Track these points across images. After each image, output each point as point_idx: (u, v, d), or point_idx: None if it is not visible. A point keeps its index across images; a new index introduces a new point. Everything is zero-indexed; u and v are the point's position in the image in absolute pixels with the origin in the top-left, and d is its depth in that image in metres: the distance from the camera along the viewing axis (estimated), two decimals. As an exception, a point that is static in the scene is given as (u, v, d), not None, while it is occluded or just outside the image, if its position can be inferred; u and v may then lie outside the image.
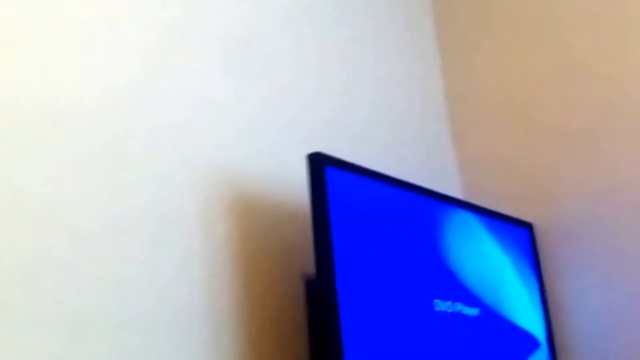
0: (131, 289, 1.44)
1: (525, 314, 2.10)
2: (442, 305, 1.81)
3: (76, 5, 1.50)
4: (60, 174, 1.38)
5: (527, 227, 2.25)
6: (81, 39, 1.49)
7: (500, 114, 2.46)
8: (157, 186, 1.55)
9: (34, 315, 1.28)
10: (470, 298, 1.91)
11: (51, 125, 1.40)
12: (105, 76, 1.52)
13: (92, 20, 1.53)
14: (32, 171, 1.34)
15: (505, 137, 2.44)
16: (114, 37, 1.56)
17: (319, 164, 1.64)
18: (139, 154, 1.54)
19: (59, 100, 1.42)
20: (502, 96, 2.47)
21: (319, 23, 2.13)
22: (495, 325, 1.97)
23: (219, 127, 1.73)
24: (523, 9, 2.48)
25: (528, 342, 2.08)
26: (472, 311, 1.91)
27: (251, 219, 1.71)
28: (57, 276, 1.33)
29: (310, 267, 1.61)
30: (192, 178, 1.62)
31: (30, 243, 1.31)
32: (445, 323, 1.81)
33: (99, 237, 1.42)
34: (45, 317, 1.29)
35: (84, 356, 1.33)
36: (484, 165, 2.45)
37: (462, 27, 2.60)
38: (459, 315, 1.86)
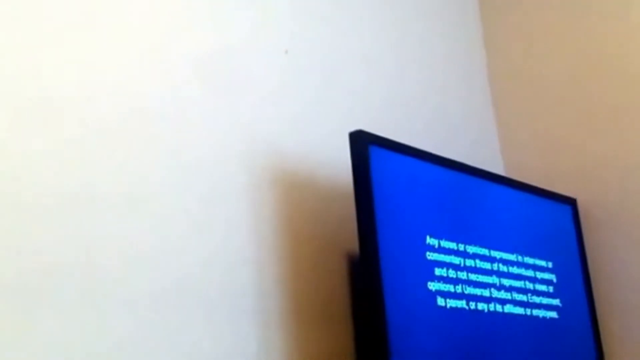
0: (179, 263, 1.47)
1: (566, 292, 2.09)
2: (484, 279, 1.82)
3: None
4: (122, 156, 1.43)
5: (571, 202, 2.23)
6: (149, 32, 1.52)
7: (543, 91, 2.43)
8: (207, 163, 1.58)
9: (87, 287, 1.31)
10: (508, 275, 1.90)
11: (125, 117, 1.45)
12: (163, 64, 1.55)
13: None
14: (99, 153, 1.39)
15: (548, 114, 2.41)
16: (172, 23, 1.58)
17: (362, 141, 1.65)
18: (192, 131, 1.57)
19: (129, 94, 1.47)
20: (545, 73, 2.44)
21: (367, 4, 2.12)
22: (537, 305, 1.97)
23: (267, 106, 1.74)
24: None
25: (568, 321, 2.07)
26: (515, 285, 1.91)
27: (297, 197, 1.73)
28: (106, 248, 1.36)
29: (354, 245, 1.61)
30: (239, 155, 1.64)
31: (85, 214, 1.34)
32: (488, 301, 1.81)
33: (149, 212, 1.45)
34: (97, 290, 1.33)
35: (132, 326, 1.36)
36: (526, 142, 2.43)
37: (505, 8, 2.56)
38: (502, 293, 1.86)
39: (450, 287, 1.71)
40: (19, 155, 1.29)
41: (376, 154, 1.66)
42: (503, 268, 1.88)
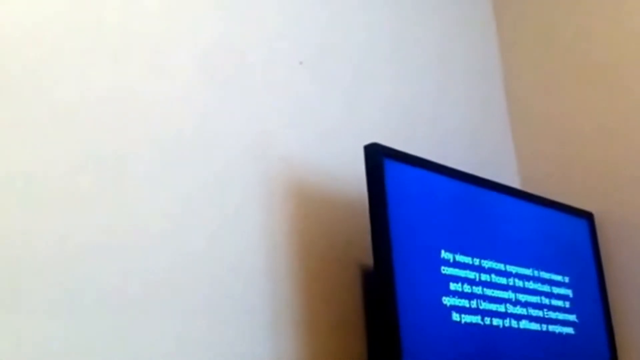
0: (193, 275, 1.47)
1: (582, 308, 2.06)
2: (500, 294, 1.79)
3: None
4: (140, 159, 1.43)
5: (588, 217, 2.21)
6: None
7: (560, 104, 2.41)
8: (221, 176, 1.57)
9: (98, 298, 1.31)
10: (524, 290, 1.88)
11: (138, 122, 1.46)
12: (180, 74, 1.55)
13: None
14: (115, 165, 1.40)
15: (565, 127, 2.39)
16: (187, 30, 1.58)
17: (377, 154, 1.64)
18: (206, 144, 1.56)
19: (142, 99, 1.47)
20: (562, 86, 2.42)
21: (384, 19, 2.11)
22: (553, 321, 1.94)
23: (281, 118, 1.73)
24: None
25: (585, 337, 2.04)
26: (531, 300, 1.88)
27: (311, 209, 1.72)
28: (122, 261, 1.36)
29: (369, 258, 1.60)
30: (253, 168, 1.64)
31: (96, 227, 1.34)
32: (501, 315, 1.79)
33: (163, 225, 1.45)
34: (108, 301, 1.32)
35: (148, 338, 1.36)
36: (543, 155, 2.41)
37: (522, 20, 2.54)
38: (516, 307, 1.84)
39: (465, 302, 1.69)
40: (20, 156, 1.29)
41: (391, 167, 1.64)
42: (519, 283, 1.86)
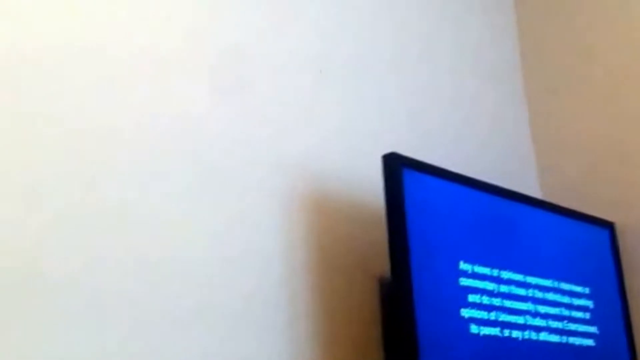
0: (209, 286, 1.46)
1: (603, 319, 2.03)
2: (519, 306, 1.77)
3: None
4: (168, 185, 1.44)
5: (609, 226, 2.18)
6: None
7: (581, 112, 2.39)
8: (236, 186, 1.56)
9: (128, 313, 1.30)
10: (544, 301, 1.85)
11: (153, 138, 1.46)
12: (196, 86, 1.54)
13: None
14: (153, 184, 1.43)
15: (586, 136, 2.36)
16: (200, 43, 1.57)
17: (395, 164, 1.62)
18: (220, 154, 1.55)
19: (156, 116, 1.47)
20: (585, 93, 2.39)
21: (397, 26, 2.09)
22: (574, 333, 1.92)
23: (298, 127, 1.72)
24: None
25: (606, 349, 2.01)
26: (551, 312, 1.86)
27: (328, 219, 1.71)
28: (138, 270, 1.35)
29: (386, 268, 1.58)
30: (270, 178, 1.63)
31: (116, 234, 1.33)
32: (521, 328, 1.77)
33: (178, 236, 1.44)
34: (135, 313, 1.31)
35: (166, 351, 1.36)
36: (563, 164, 2.38)
37: (543, 24, 2.52)
38: (534, 319, 1.82)
39: (484, 314, 1.67)
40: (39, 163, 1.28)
41: (409, 177, 1.63)
42: (538, 294, 1.84)
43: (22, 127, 1.28)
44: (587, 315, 1.97)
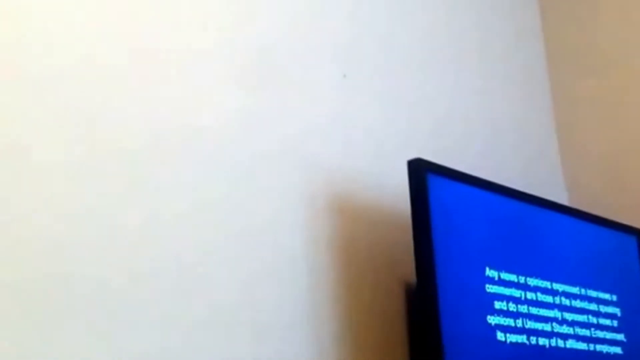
0: (232, 288, 1.46)
1: (631, 327, 2.01)
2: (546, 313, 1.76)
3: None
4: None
5: (636, 233, 2.15)
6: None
7: (609, 117, 2.36)
8: (260, 189, 1.56)
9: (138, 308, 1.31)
10: (571, 308, 1.83)
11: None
12: (220, 89, 1.55)
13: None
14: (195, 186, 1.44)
15: (613, 142, 2.34)
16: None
17: (420, 170, 1.61)
18: (249, 157, 1.56)
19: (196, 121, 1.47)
20: (613, 97, 2.37)
21: (425, 30, 2.09)
22: (601, 340, 1.89)
23: (323, 132, 1.72)
24: None
25: (634, 357, 1.98)
26: (578, 319, 1.84)
27: (354, 222, 1.70)
28: (161, 270, 1.36)
29: (411, 274, 1.58)
30: (294, 182, 1.62)
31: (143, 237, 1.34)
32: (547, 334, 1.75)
33: (201, 236, 1.45)
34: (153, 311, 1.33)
35: (190, 352, 1.36)
36: (591, 169, 2.36)
37: (569, 28, 2.50)
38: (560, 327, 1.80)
39: (510, 321, 1.66)
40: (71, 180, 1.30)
41: (435, 183, 1.62)
42: (565, 301, 1.82)
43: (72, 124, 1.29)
44: (615, 323, 1.95)
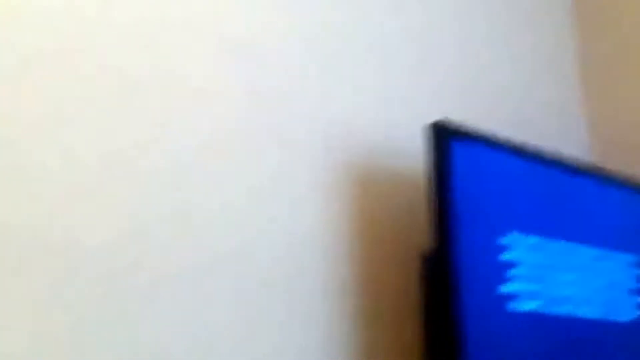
0: (248, 259, 1.43)
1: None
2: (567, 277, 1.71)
3: None
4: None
5: (664, 194, 2.09)
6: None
7: (636, 77, 2.27)
8: (276, 155, 1.52)
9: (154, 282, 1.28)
10: (596, 272, 1.79)
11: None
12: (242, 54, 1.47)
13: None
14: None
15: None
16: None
17: (443, 133, 1.55)
18: (268, 126, 1.51)
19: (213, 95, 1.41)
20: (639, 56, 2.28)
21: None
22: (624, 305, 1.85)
23: (341, 96, 1.66)
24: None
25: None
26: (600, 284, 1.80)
27: (370, 191, 1.65)
28: (184, 241, 1.33)
29: (429, 242, 1.53)
30: (312, 146, 1.57)
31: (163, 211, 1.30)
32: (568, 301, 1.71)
33: (220, 205, 1.41)
34: (167, 285, 1.30)
35: (207, 308, 1.34)
36: (618, 132, 2.29)
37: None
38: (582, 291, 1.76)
39: (528, 289, 1.61)
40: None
41: (458, 147, 1.55)
42: (589, 265, 1.77)
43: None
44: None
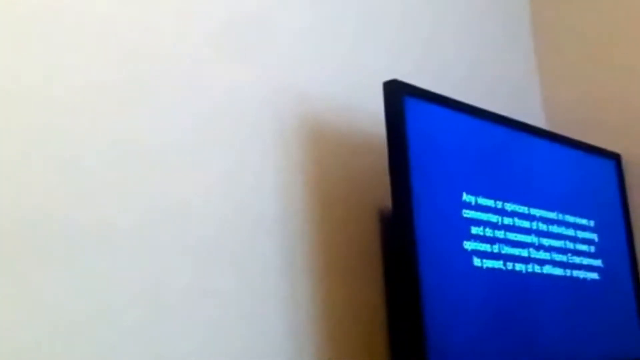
0: (204, 219, 1.41)
1: (608, 252, 2.00)
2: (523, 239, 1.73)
3: None
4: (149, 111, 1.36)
5: (615, 158, 2.13)
6: None
7: (588, 42, 2.31)
8: (232, 115, 1.50)
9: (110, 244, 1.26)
10: (548, 234, 1.81)
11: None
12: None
13: None
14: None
15: (593, 66, 2.29)
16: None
17: (396, 92, 1.56)
18: (219, 80, 1.49)
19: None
20: (591, 22, 2.31)
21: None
22: (578, 266, 1.88)
23: (298, 52, 1.65)
24: None
25: (610, 282, 1.98)
26: (555, 245, 1.82)
27: (327, 149, 1.65)
28: (130, 203, 1.31)
29: (387, 200, 1.53)
30: (266, 106, 1.56)
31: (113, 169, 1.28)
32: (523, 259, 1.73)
33: (173, 167, 1.39)
34: (119, 246, 1.28)
35: (157, 281, 1.32)
36: (569, 94, 2.32)
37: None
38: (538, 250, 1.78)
39: (487, 247, 1.63)
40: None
41: (411, 106, 1.57)
42: (542, 227, 1.80)
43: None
44: (592, 249, 1.94)
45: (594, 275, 1.91)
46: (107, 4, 1.36)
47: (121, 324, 1.25)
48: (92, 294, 1.23)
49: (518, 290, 1.69)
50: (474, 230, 1.62)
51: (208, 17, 1.50)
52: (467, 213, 1.62)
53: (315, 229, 1.58)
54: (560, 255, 1.83)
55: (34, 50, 1.24)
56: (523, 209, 1.76)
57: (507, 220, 1.71)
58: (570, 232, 1.88)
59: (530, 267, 1.73)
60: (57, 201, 1.22)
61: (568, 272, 1.83)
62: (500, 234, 1.67)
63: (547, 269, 1.77)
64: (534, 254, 1.75)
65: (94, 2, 1.34)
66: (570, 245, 1.87)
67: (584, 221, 1.94)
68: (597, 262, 1.94)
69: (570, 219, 1.90)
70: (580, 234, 1.92)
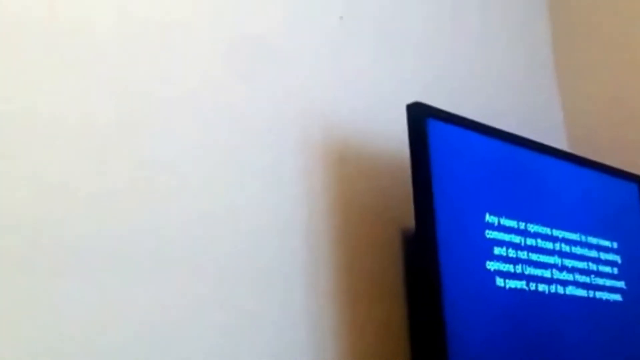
0: (230, 238, 1.44)
1: (631, 274, 1.99)
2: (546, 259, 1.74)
3: None
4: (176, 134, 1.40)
5: (637, 181, 2.13)
6: None
7: (610, 62, 2.32)
8: (257, 136, 1.53)
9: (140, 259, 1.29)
10: (571, 255, 1.82)
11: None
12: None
13: None
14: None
15: (615, 87, 2.30)
16: None
17: (420, 114, 1.58)
18: (246, 102, 1.52)
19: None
20: (615, 41, 2.32)
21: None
22: (601, 287, 1.88)
23: (321, 76, 1.68)
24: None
25: (633, 304, 1.97)
26: (578, 266, 1.82)
27: (351, 170, 1.67)
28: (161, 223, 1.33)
29: (409, 221, 1.55)
30: (291, 128, 1.59)
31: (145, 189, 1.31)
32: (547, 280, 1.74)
33: (201, 186, 1.41)
34: (153, 261, 1.31)
35: (185, 296, 1.34)
36: (591, 115, 2.33)
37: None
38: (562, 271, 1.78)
39: (509, 267, 1.64)
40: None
41: (434, 127, 1.59)
42: (565, 248, 1.80)
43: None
44: (615, 270, 1.94)
45: (616, 297, 1.91)
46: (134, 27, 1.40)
47: (141, 339, 1.27)
48: (110, 309, 1.25)
49: (540, 311, 1.70)
50: (497, 250, 1.63)
51: (233, 40, 1.54)
52: (490, 234, 1.63)
53: (339, 249, 1.60)
54: (583, 277, 1.83)
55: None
56: (546, 230, 1.77)
57: (530, 241, 1.71)
58: (593, 253, 1.89)
59: (553, 288, 1.73)
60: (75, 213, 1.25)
61: (591, 294, 1.83)
62: (523, 254, 1.68)
63: (570, 290, 1.78)
64: (557, 274, 1.75)
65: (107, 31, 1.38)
66: (593, 266, 1.87)
67: (606, 243, 1.94)
68: (620, 284, 1.94)
69: (593, 240, 1.90)
70: (603, 256, 1.92)
